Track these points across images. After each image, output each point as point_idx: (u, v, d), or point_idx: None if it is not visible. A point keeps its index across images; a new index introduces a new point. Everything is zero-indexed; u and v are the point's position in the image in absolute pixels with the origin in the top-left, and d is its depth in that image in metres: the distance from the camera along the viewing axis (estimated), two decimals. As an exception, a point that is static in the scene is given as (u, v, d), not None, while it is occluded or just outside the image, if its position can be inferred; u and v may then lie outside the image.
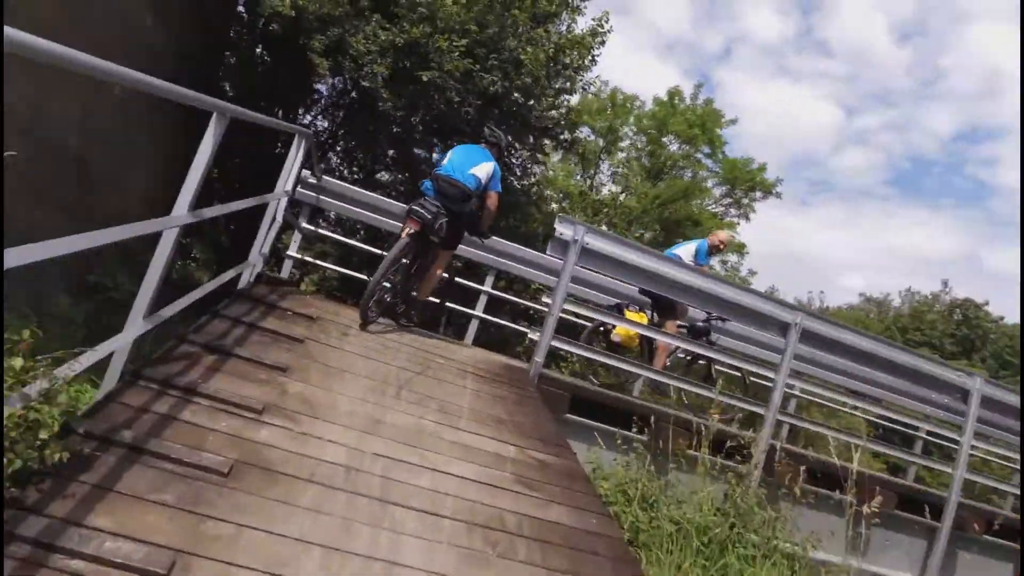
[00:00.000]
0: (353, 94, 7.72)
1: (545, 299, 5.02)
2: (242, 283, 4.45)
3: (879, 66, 54.25)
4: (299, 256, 6.75)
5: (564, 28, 8.25)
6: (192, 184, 2.57)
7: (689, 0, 45.84)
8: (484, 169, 4.78)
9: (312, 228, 6.88)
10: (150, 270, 2.58)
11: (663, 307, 5.93)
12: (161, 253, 2.60)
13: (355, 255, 8.35)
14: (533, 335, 4.86)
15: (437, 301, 5.63)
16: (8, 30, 1.26)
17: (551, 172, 17.72)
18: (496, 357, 5.32)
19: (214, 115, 2.63)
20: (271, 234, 4.83)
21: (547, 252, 5.02)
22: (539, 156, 9.08)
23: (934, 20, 51.57)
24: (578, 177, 19.47)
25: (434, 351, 4.50)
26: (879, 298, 36.12)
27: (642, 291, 5.95)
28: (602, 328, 5.91)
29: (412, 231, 4.45)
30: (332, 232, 7.30)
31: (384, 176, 10.95)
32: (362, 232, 8.64)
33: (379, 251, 6.88)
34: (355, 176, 10.28)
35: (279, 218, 4.87)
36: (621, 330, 5.75)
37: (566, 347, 4.98)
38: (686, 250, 6.16)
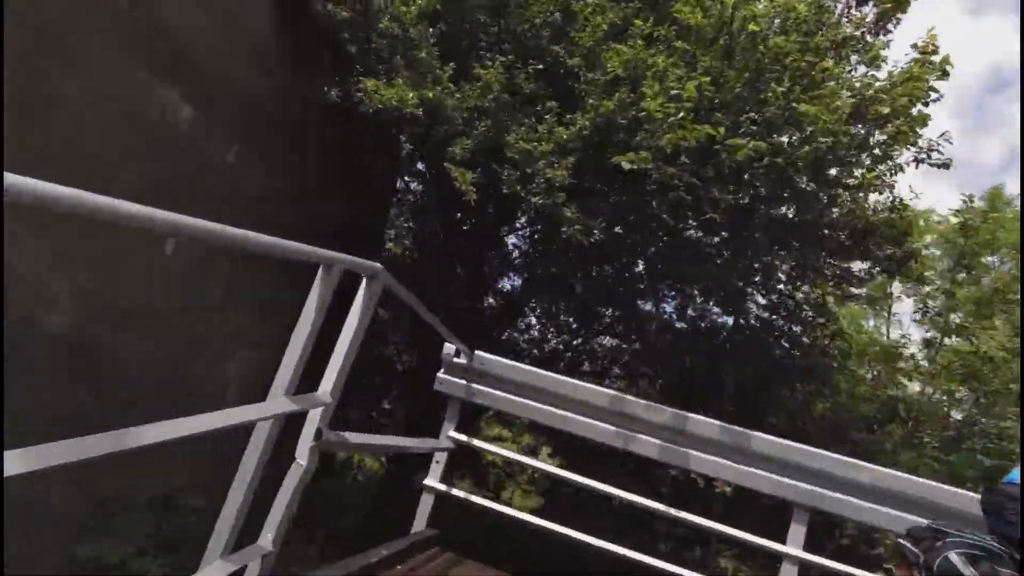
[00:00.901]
0: (537, 231, 5.28)
1: None
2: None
3: None
4: (442, 488, 3.99)
5: (859, 72, 4.95)
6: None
7: (956, 115, 38.96)
8: None
9: (464, 439, 4.17)
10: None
11: None
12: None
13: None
14: None
15: None
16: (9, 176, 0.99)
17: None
18: None
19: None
20: (282, 506, 2.12)
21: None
22: (849, 288, 5.27)
23: None
24: (871, 323, 14.37)
25: None
26: None
27: None
28: None
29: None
30: (500, 447, 4.47)
31: (604, 342, 8.02)
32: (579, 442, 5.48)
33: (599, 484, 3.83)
34: (560, 346, 7.58)
35: (304, 462, 2.18)
36: None
37: None
38: None
